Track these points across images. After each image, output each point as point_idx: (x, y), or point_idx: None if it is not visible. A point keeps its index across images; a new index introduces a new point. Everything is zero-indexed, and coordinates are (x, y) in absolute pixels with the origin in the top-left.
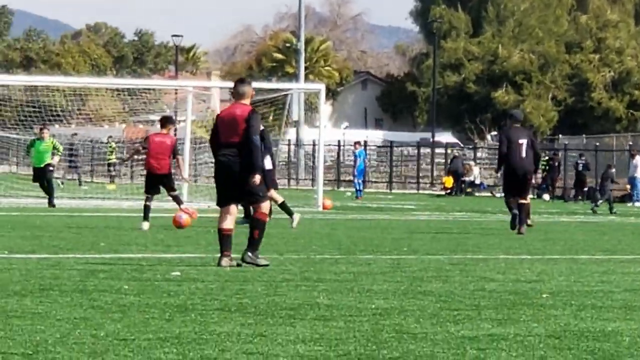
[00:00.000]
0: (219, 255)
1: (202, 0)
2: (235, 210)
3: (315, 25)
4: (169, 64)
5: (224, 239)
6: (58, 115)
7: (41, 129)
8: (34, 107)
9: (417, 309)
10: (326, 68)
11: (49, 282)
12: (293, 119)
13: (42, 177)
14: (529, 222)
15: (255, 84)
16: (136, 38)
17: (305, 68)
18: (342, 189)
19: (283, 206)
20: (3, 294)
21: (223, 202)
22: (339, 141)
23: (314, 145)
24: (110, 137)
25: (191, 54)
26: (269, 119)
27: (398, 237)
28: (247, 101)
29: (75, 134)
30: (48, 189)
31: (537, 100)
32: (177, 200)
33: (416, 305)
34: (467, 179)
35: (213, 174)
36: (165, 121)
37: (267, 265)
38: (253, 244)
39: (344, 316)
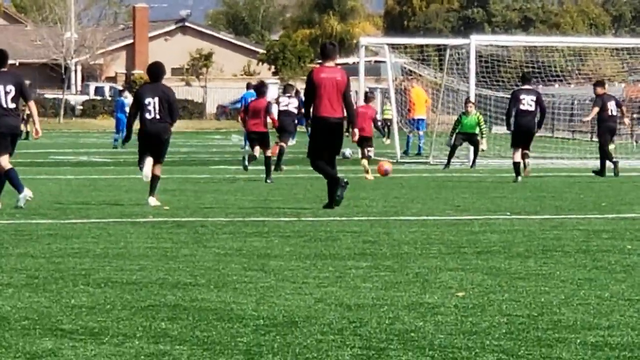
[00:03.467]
0: None
1: None
2: None
3: None
4: None
5: None
6: (557, 76)
7: (466, 103)
8: (533, 67)
9: None
10: None
11: (552, 243)
12: None
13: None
14: None
15: None
16: None
17: None
18: None
19: None
20: (507, 255)
21: None
22: None
23: None
24: None
25: None
26: None
27: None
28: None
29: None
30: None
31: None
32: None
33: None
34: None
35: None
36: None
37: None
38: None
39: None
